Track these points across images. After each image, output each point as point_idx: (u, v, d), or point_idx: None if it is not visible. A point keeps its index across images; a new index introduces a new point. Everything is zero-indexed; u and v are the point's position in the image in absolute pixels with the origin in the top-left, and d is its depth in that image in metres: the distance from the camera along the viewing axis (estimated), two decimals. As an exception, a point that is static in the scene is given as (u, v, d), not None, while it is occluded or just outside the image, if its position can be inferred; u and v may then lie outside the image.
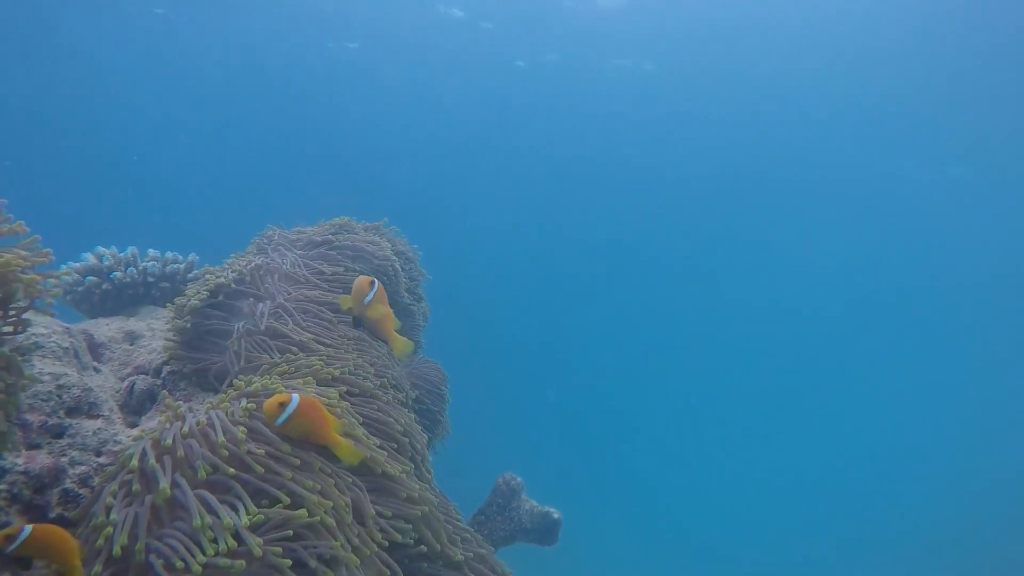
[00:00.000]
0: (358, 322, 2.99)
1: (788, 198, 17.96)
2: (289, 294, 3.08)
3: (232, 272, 3.19)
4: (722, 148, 16.81)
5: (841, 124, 15.67)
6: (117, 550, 1.74)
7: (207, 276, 3.23)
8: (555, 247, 19.63)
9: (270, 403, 2.06)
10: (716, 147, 16.85)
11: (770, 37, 13.61)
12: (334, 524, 1.94)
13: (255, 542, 1.78)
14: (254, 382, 2.39)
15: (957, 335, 19.15)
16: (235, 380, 2.51)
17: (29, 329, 2.55)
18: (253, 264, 3.33)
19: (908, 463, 17.81)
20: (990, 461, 16.96)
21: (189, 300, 2.99)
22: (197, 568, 1.70)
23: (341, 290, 3.16)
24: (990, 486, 16.23)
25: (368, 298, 2.83)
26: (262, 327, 2.88)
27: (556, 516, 3.42)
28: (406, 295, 3.74)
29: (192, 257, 4.10)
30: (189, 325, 2.93)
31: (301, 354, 2.75)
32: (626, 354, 19.51)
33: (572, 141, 17.23)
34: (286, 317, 2.96)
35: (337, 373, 2.63)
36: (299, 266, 3.32)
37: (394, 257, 3.71)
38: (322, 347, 2.82)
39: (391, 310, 2.96)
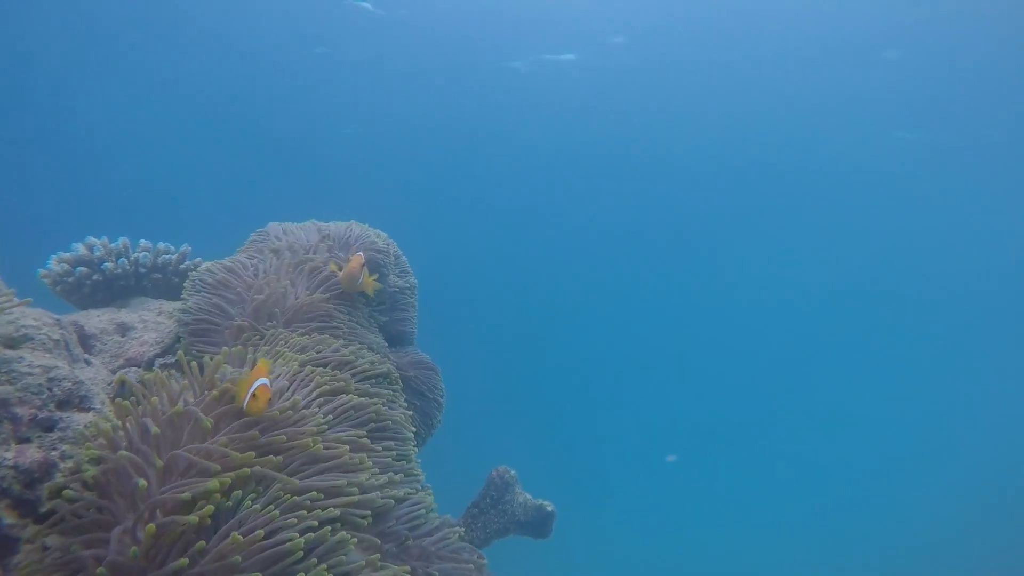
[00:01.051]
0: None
1: (792, 195, 17.95)
2: (283, 282, 3.08)
3: (226, 263, 3.20)
4: (716, 144, 16.78)
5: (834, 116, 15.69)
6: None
7: (204, 267, 3.25)
8: (552, 242, 19.63)
9: (255, 407, 2.10)
10: (709, 143, 16.82)
11: (764, 28, 13.56)
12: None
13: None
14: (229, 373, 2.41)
15: (955, 334, 19.23)
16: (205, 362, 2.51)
17: (19, 320, 2.53)
18: (247, 254, 3.33)
19: (902, 461, 17.89)
20: (985, 459, 17.05)
21: (186, 291, 3.04)
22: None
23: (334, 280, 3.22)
24: (985, 486, 16.30)
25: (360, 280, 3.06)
26: (254, 314, 2.88)
27: (550, 509, 3.43)
28: (398, 281, 3.75)
29: (185, 248, 4.07)
30: (187, 317, 2.93)
31: (292, 337, 2.75)
32: (621, 349, 19.53)
33: (567, 136, 17.17)
34: (280, 302, 2.96)
35: (335, 359, 2.63)
36: (295, 255, 3.33)
37: (387, 248, 3.74)
38: (321, 331, 2.84)
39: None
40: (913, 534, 15.19)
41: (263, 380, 2.15)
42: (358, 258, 3.06)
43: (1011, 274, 17.79)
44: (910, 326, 19.42)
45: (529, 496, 3.45)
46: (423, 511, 2.40)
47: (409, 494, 2.36)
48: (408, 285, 3.87)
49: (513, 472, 3.41)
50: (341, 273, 3.08)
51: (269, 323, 2.93)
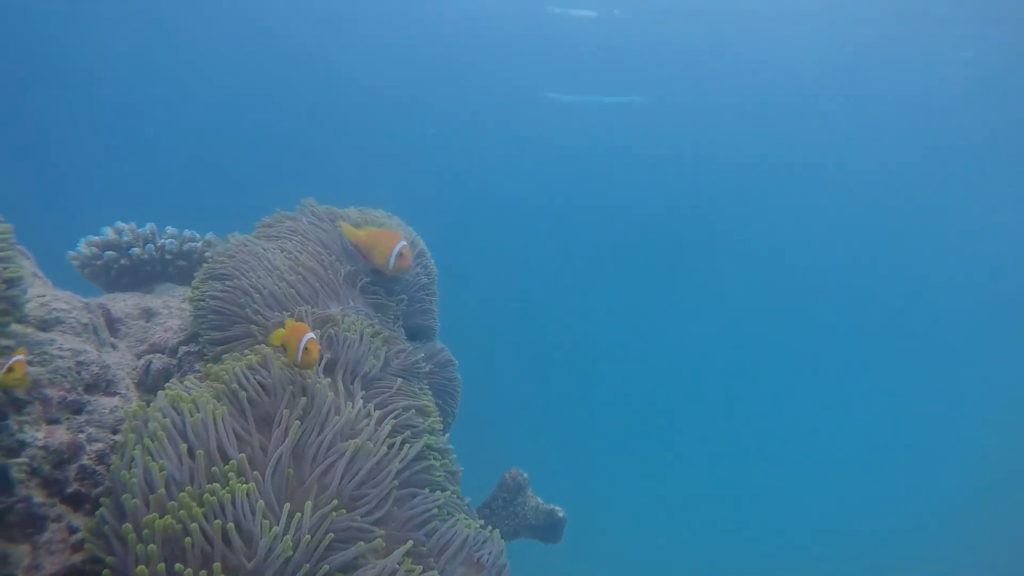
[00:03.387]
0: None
1: (794, 192, 17.98)
2: (308, 267, 3.09)
3: (239, 248, 3.20)
4: (725, 137, 16.67)
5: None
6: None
7: (217, 252, 3.26)
8: (573, 241, 19.67)
9: (310, 359, 2.23)
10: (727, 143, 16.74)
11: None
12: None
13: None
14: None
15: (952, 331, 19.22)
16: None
17: (51, 303, 2.59)
18: (261, 240, 3.34)
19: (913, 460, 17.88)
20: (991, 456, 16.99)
21: (200, 280, 3.05)
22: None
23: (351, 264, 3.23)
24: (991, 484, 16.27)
25: (393, 257, 2.97)
26: (274, 304, 2.90)
27: (561, 515, 3.44)
28: (416, 269, 3.70)
29: (210, 236, 4.11)
30: (204, 303, 2.95)
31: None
32: (639, 352, 19.50)
33: (591, 137, 17.15)
34: (302, 291, 2.98)
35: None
36: (308, 241, 3.33)
37: (407, 235, 3.69)
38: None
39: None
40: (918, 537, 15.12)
41: (310, 335, 2.23)
42: (403, 243, 3.00)
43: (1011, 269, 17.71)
44: (911, 324, 19.47)
45: (540, 500, 3.46)
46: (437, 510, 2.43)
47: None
48: (427, 274, 3.74)
49: (525, 475, 3.42)
50: (378, 252, 3.03)
51: (288, 313, 2.94)
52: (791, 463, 17.61)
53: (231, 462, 1.97)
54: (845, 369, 19.92)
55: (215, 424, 2.08)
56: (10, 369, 1.86)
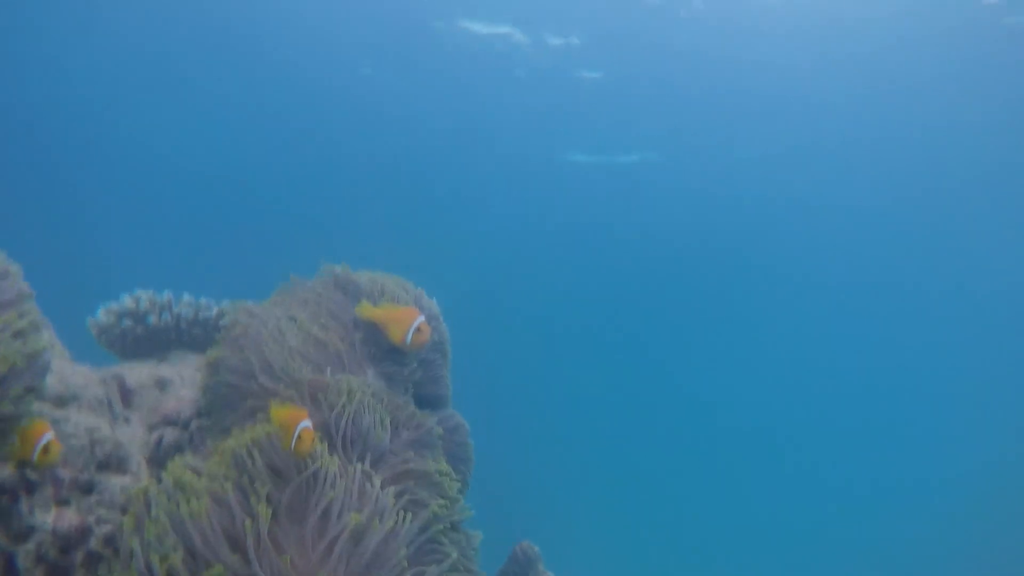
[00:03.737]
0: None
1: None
2: (308, 340, 3.12)
3: (248, 318, 3.24)
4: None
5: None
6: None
7: (232, 326, 3.30)
8: (590, 300, 19.60)
9: (304, 448, 2.25)
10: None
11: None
12: None
13: None
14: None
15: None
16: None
17: (68, 378, 2.63)
18: (272, 310, 3.37)
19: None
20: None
21: (211, 354, 3.08)
22: None
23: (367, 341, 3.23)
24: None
25: (410, 334, 2.98)
26: (281, 377, 2.92)
27: (573, 592, 3.33)
28: (435, 338, 3.69)
29: (224, 305, 4.18)
30: (214, 382, 2.98)
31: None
32: (660, 422, 19.10)
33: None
34: (308, 361, 2.99)
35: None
36: (320, 313, 3.36)
37: (417, 301, 3.70)
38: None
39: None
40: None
41: (305, 423, 2.23)
42: (420, 319, 3.01)
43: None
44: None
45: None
46: None
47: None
48: (440, 338, 3.67)
49: (537, 549, 3.34)
50: (394, 329, 3.03)
51: (293, 386, 2.94)
52: (821, 522, 17.02)
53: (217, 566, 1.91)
54: (867, 398, 19.56)
55: (206, 519, 2.03)
56: (46, 450, 1.89)
